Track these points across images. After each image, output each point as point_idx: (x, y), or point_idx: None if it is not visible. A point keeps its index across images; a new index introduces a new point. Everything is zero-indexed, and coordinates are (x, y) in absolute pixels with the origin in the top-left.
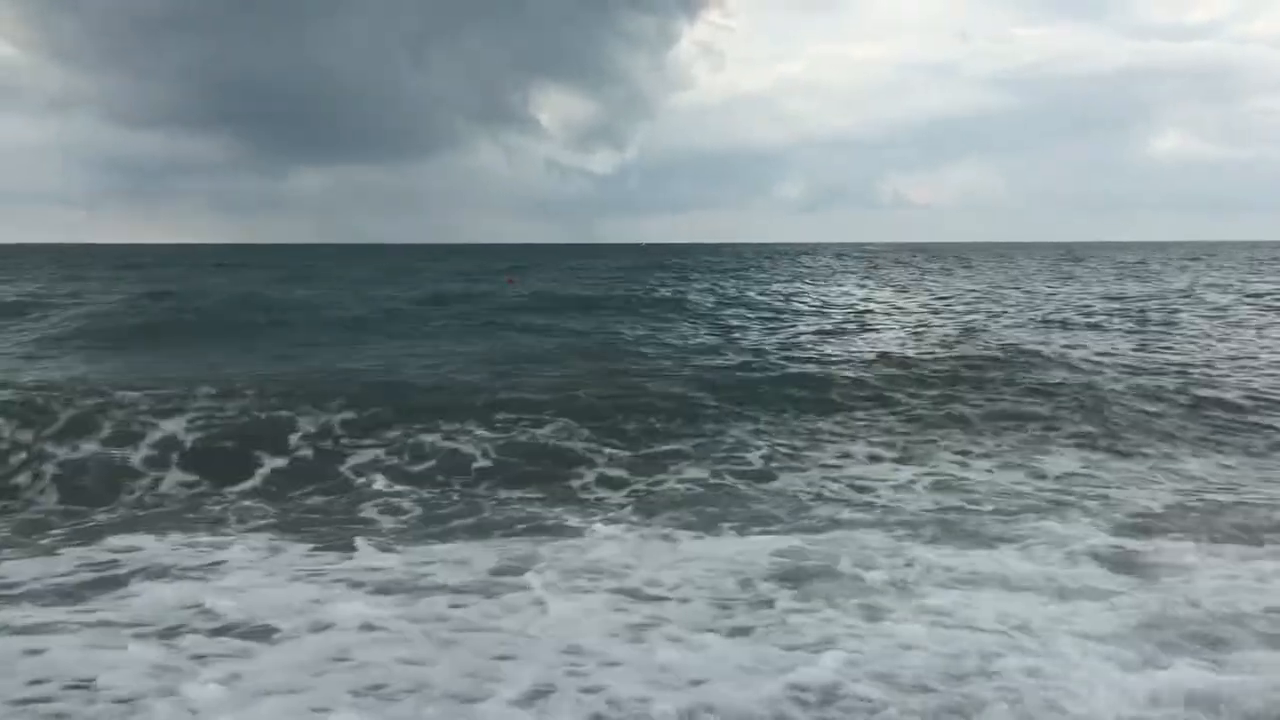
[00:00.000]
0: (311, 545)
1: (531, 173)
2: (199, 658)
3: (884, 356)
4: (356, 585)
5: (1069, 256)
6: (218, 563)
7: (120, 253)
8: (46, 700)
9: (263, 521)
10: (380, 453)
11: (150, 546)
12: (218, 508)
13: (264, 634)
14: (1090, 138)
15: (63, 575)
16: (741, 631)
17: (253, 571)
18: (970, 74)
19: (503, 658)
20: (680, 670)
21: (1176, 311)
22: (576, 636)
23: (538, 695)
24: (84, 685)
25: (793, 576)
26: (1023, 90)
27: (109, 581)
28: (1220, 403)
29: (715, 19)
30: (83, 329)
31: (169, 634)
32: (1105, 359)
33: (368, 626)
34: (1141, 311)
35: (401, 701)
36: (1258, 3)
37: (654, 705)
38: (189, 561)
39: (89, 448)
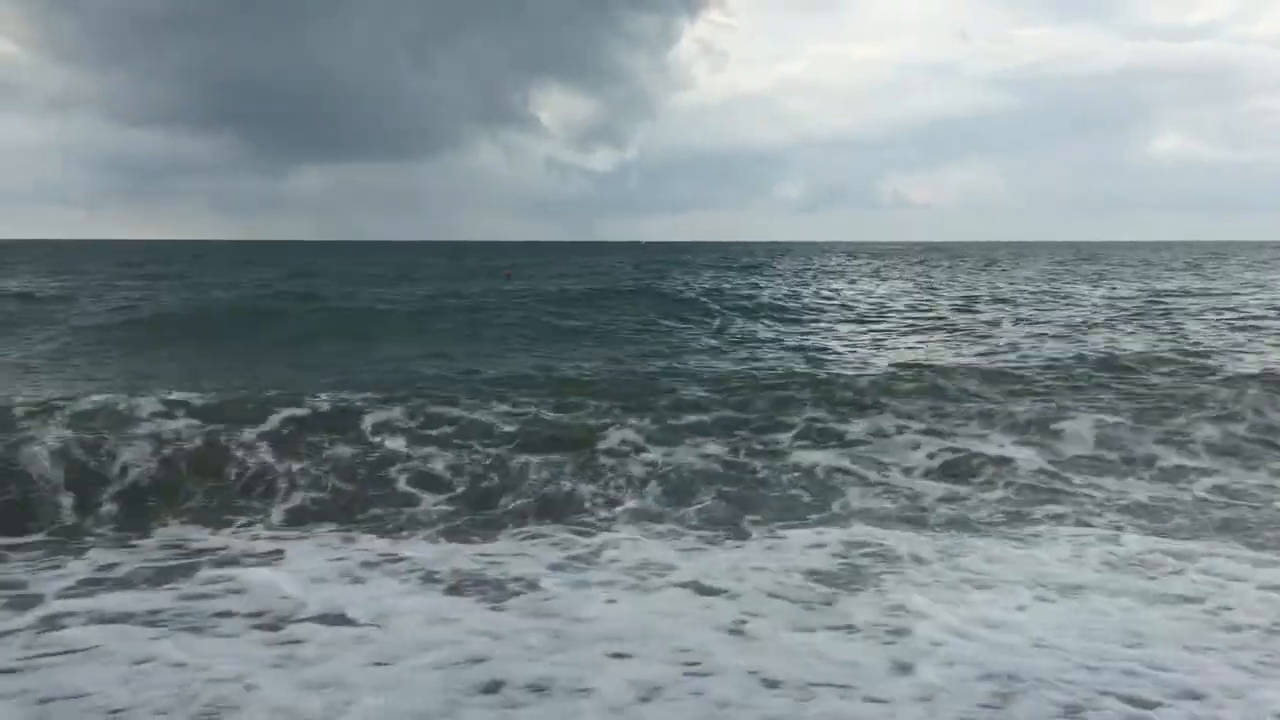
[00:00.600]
0: (370, 533)
1: (532, 172)
2: (317, 650)
3: (917, 353)
4: (430, 580)
5: (1079, 256)
6: (278, 551)
7: (123, 249)
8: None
9: (306, 497)
10: (408, 428)
11: (209, 539)
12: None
13: (355, 626)
14: (1090, 138)
15: (151, 562)
16: (827, 630)
17: (314, 559)
18: (970, 74)
19: (618, 655)
20: (788, 672)
21: (1201, 313)
22: (679, 634)
23: (657, 693)
24: (199, 669)
25: (844, 574)
26: (1023, 90)
27: (187, 569)
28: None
29: (716, 18)
30: (100, 327)
31: (270, 626)
32: (1144, 353)
33: (448, 620)
34: (1156, 307)
35: (530, 706)
36: (1259, 4)
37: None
38: (256, 548)
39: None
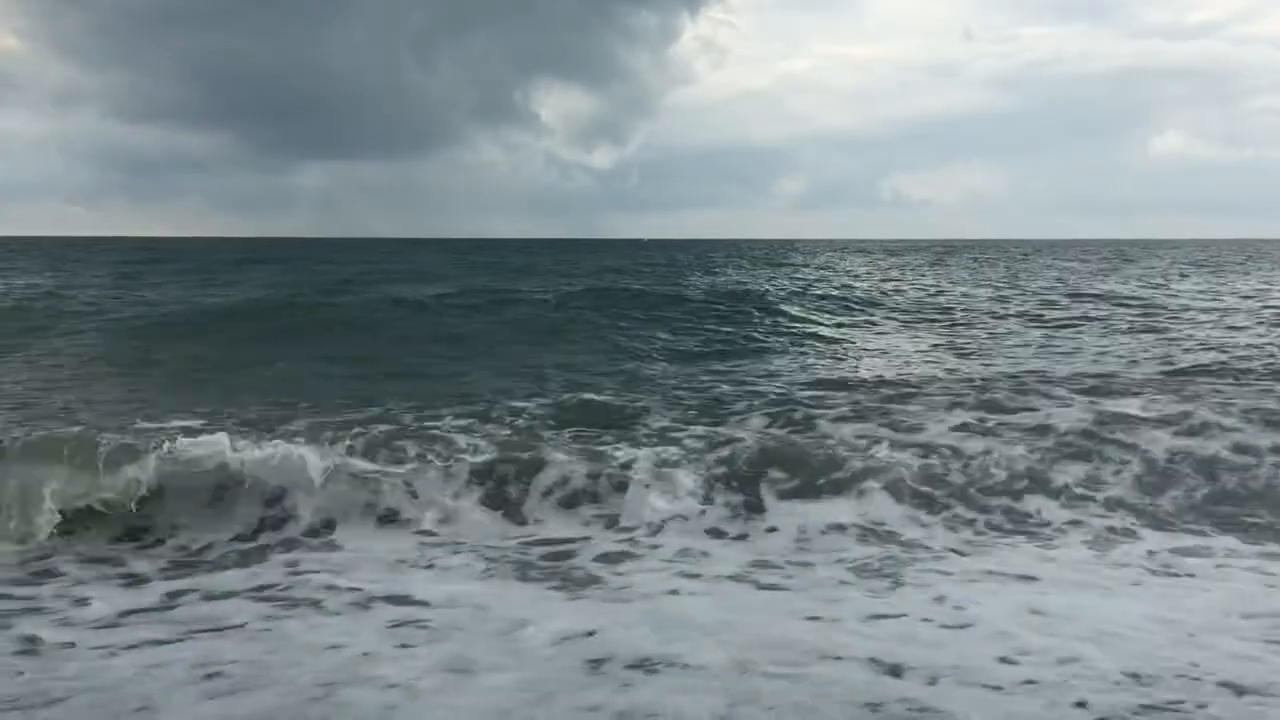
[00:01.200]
0: (434, 516)
1: (533, 169)
2: (423, 631)
3: (956, 348)
4: (492, 560)
5: (1104, 255)
6: (330, 540)
7: (129, 247)
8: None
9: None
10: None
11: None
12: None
13: (444, 609)
14: (1093, 137)
15: (232, 545)
16: (894, 619)
17: (374, 541)
18: (973, 73)
19: (709, 635)
20: (897, 657)
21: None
22: (772, 624)
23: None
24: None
25: (884, 566)
26: (1025, 90)
27: (261, 551)
28: None
29: (717, 15)
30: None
31: (361, 605)
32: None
33: (532, 602)
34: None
35: (638, 686)
36: (1260, 4)
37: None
38: (308, 527)
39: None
